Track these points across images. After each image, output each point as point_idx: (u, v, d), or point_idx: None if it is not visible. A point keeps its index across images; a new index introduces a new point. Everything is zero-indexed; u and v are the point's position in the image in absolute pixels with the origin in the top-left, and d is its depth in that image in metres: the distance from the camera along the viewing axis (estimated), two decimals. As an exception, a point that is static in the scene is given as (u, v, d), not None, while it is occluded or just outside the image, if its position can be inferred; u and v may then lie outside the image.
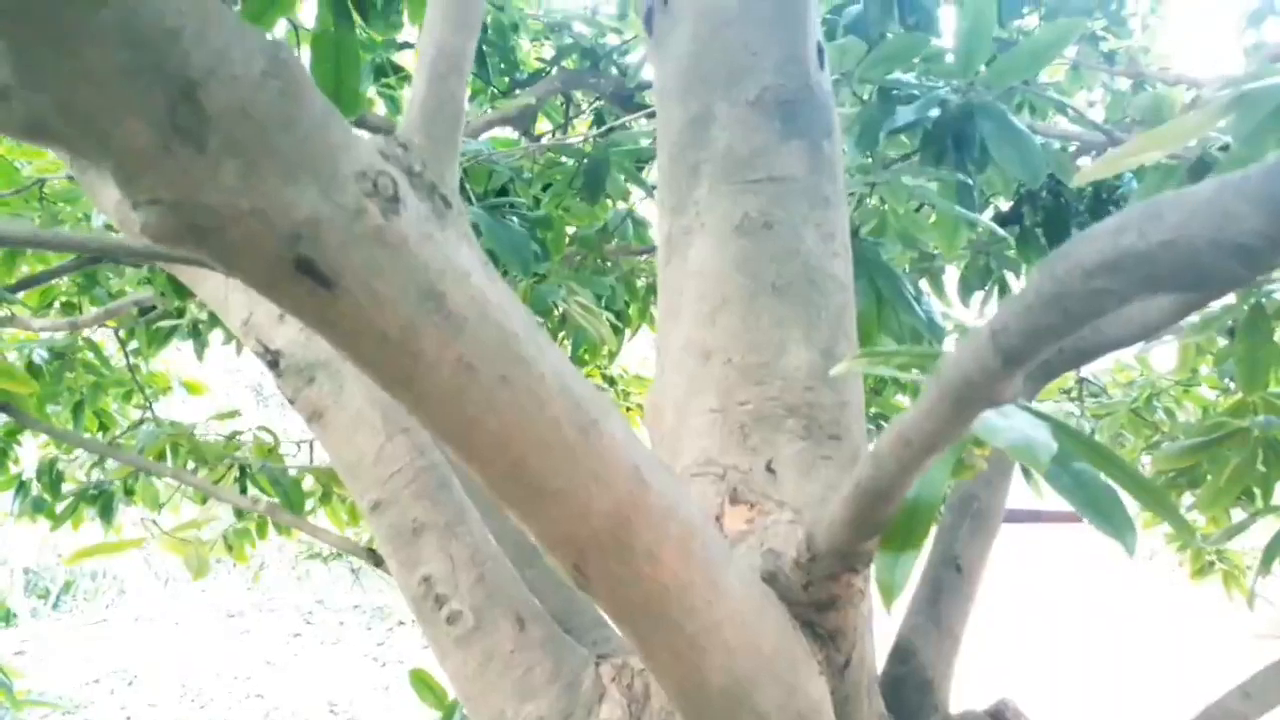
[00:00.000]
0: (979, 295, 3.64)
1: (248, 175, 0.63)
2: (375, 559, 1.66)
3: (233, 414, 2.70)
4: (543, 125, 4.14)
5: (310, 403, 1.46)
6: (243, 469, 2.38)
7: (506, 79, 3.75)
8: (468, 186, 2.59)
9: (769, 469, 1.28)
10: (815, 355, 1.33)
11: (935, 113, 1.80)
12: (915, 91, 1.90)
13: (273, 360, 1.46)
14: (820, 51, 1.41)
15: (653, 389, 1.46)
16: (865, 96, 2.05)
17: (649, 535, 0.83)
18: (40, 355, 3.74)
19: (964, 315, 3.96)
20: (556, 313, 2.28)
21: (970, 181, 1.78)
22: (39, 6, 0.56)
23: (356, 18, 1.63)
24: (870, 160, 1.89)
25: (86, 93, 0.59)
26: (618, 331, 3.30)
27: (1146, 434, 4.03)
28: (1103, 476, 0.87)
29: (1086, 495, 0.84)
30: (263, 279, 0.67)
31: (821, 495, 1.26)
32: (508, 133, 3.89)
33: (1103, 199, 3.48)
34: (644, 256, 3.50)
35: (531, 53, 3.80)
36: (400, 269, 0.69)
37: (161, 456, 2.68)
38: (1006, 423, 0.75)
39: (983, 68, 1.81)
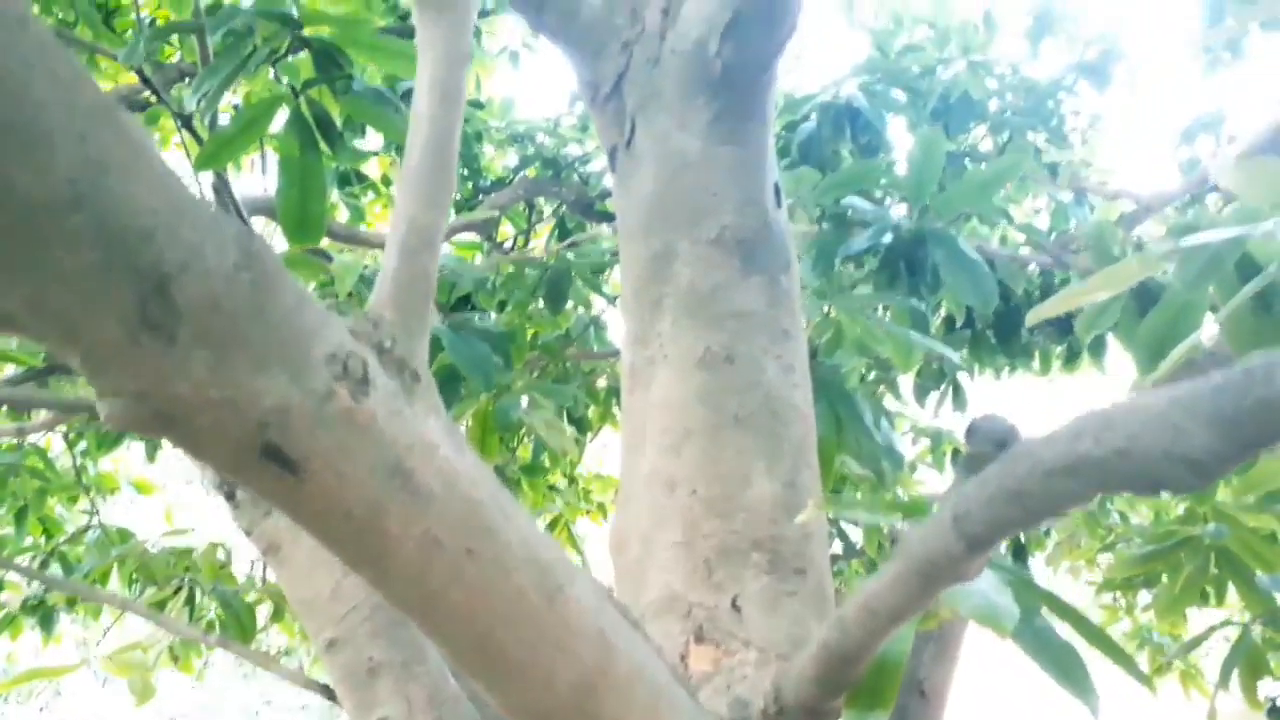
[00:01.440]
0: (934, 395, 3.70)
1: (217, 366, 0.63)
2: (331, 694, 1.61)
3: (183, 532, 2.63)
4: (505, 229, 4.20)
5: (266, 536, 1.44)
6: (192, 588, 2.31)
7: (471, 185, 3.81)
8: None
9: (734, 606, 1.27)
10: (778, 487, 1.34)
11: (888, 239, 1.86)
12: (868, 218, 1.96)
13: (229, 492, 1.44)
14: (777, 190, 1.45)
15: (616, 518, 1.46)
16: (819, 217, 2.11)
17: (615, 703, 0.82)
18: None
19: (919, 414, 4.02)
20: (521, 429, 2.27)
21: (924, 308, 1.83)
22: (9, 209, 0.56)
23: (322, 145, 1.65)
24: (826, 281, 1.94)
25: (57, 291, 0.59)
26: (580, 434, 3.29)
27: (1101, 534, 4.07)
28: (1062, 634, 0.87)
29: (1050, 655, 0.85)
30: (228, 464, 0.67)
31: (788, 632, 1.25)
32: (472, 237, 3.93)
33: (1056, 317, 3.58)
34: (606, 359, 3.53)
35: (495, 161, 3.87)
36: (368, 449, 0.69)
37: (108, 571, 2.59)
38: (970, 591, 0.76)
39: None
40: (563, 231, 4.10)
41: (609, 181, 3.88)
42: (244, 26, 1.44)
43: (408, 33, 3.63)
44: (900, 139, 3.75)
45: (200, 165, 1.59)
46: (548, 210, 4.22)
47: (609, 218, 4.01)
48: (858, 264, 2.09)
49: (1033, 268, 2.84)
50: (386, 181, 3.53)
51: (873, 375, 3.31)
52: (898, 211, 3.49)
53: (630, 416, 1.44)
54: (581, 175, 3.85)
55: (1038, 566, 4.59)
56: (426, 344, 0.77)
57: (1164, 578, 2.79)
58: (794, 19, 1.31)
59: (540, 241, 4.39)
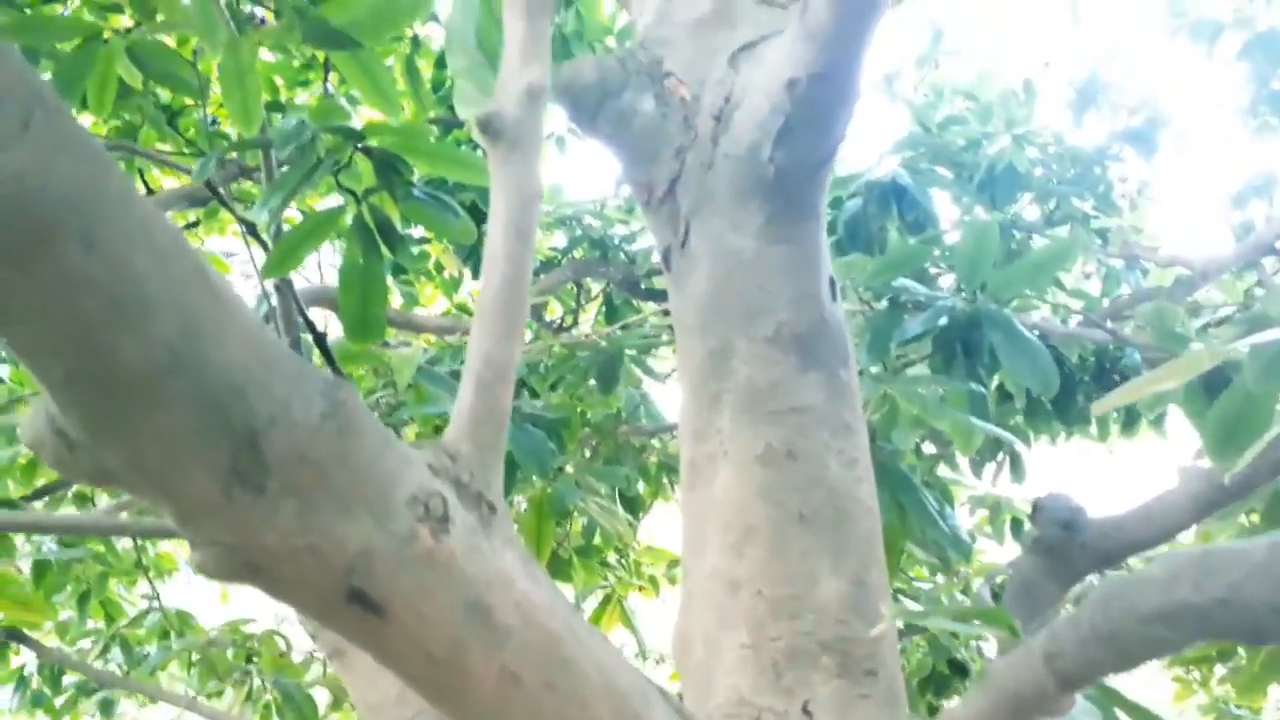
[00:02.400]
0: (991, 467, 3.64)
1: (304, 514, 0.64)
2: (394, 799, 1.59)
3: (245, 621, 2.66)
4: (554, 307, 4.25)
5: (332, 640, 1.44)
6: (253, 680, 2.32)
7: (518, 266, 3.87)
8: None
9: (805, 711, 1.24)
10: (846, 586, 1.32)
11: (943, 321, 1.85)
12: (921, 298, 1.95)
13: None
14: (832, 284, 1.46)
15: (679, 618, 1.44)
16: (870, 300, 2.11)
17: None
18: (50, 549, 3.70)
19: (977, 484, 3.94)
20: (576, 515, 2.27)
21: (984, 390, 1.81)
22: (113, 376, 0.59)
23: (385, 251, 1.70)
24: (882, 366, 1.93)
25: (154, 449, 0.61)
26: (633, 514, 3.27)
27: (1174, 605, 3.92)
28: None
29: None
30: (314, 608, 0.67)
31: (860, 738, 1.22)
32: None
33: (1106, 368, 3.52)
34: (655, 437, 3.52)
35: (544, 242, 3.94)
36: (448, 588, 0.69)
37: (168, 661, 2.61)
38: (1061, 722, 0.74)
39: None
40: (610, 309, 4.14)
41: (656, 260, 3.92)
42: (309, 141, 1.50)
43: (458, 122, 3.73)
44: (945, 209, 3.76)
45: (267, 273, 1.64)
46: (595, 288, 4.27)
47: (655, 295, 4.04)
48: (913, 346, 2.08)
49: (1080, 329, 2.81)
50: (439, 267, 3.60)
51: (928, 447, 3.27)
52: (946, 281, 3.48)
53: (691, 513, 1.43)
54: (628, 254, 3.90)
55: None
56: (501, 474, 0.78)
57: (1240, 651, 2.68)
58: (846, 125, 1.33)
59: (588, 318, 4.44)
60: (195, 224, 4.31)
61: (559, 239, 4.02)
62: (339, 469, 0.65)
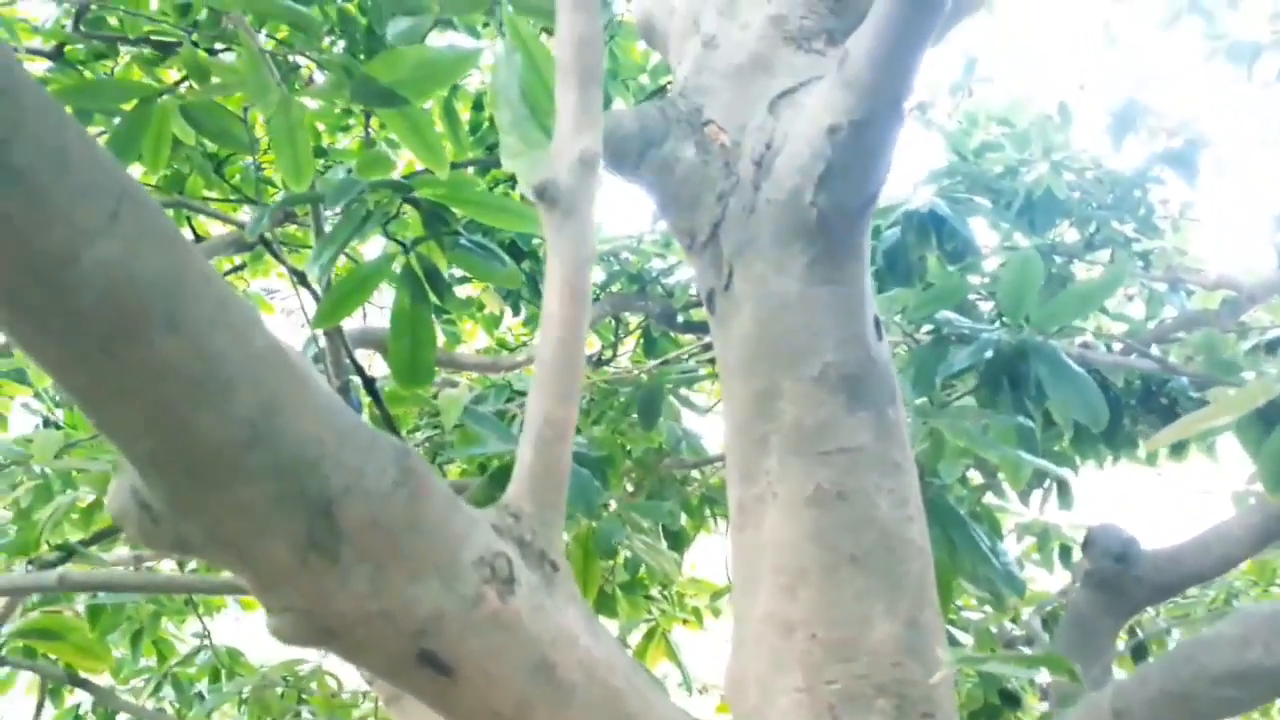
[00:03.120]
0: (1038, 493, 3.59)
1: (376, 580, 0.66)
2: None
3: (298, 663, 2.69)
4: (592, 340, 4.28)
5: (387, 686, 1.46)
6: (305, 721, 2.34)
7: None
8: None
9: (862, 755, 1.23)
10: (900, 628, 1.31)
11: (989, 354, 1.84)
12: (966, 331, 1.95)
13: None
14: (878, 323, 1.46)
15: (732, 660, 1.44)
16: (914, 333, 2.10)
17: None
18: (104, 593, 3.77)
19: (1024, 511, 3.89)
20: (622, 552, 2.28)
21: (1032, 423, 1.80)
22: (195, 452, 0.61)
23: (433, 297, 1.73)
24: (928, 400, 1.92)
25: (233, 521, 0.63)
26: (677, 550, 3.27)
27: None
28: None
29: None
30: (384, 669, 0.69)
31: (919, 783, 1.21)
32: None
33: (1152, 391, 3.47)
34: (697, 469, 3.52)
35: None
36: (515, 648, 0.71)
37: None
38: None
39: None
40: (648, 342, 4.16)
41: (694, 293, 3.94)
42: (358, 195, 1.54)
43: (494, 162, 3.79)
44: (983, 234, 3.74)
45: (319, 323, 1.68)
46: (633, 322, 4.29)
47: (693, 328, 4.06)
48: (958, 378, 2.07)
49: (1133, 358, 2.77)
50: (480, 305, 3.65)
51: (974, 474, 3.23)
52: (986, 306, 3.45)
53: (741, 555, 1.43)
54: (665, 288, 3.92)
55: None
56: (562, 531, 0.79)
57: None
58: (887, 169, 1.34)
59: (626, 350, 4.46)
60: (241, 267, 4.41)
61: (597, 274, 4.06)
62: (410, 534, 0.67)
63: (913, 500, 1.41)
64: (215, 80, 1.57)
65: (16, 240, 0.53)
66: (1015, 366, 1.85)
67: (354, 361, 2.12)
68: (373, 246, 2.92)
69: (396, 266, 1.70)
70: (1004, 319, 1.92)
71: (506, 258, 1.71)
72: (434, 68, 1.44)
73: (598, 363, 4.15)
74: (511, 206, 1.69)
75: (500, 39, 1.51)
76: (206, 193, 3.66)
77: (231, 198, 3.81)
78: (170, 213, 3.62)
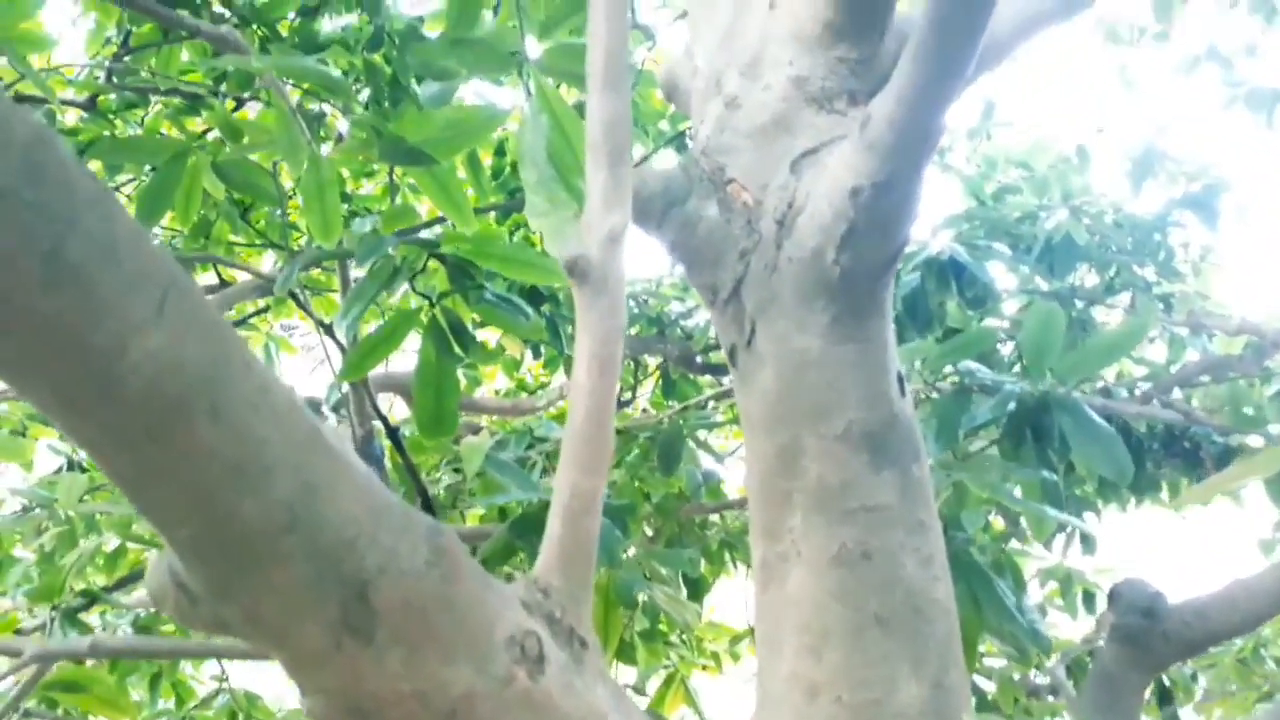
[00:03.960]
0: (1060, 538, 3.55)
1: (410, 660, 0.66)
2: None
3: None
4: (611, 384, 4.29)
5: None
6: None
7: (576, 345, 3.92)
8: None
9: (889, 821, 1.22)
10: (926, 690, 1.30)
11: (1011, 406, 1.84)
12: (987, 381, 1.94)
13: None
14: (901, 380, 1.46)
15: (756, 720, 1.43)
16: (935, 383, 2.10)
17: None
18: (125, 632, 3.78)
19: (1047, 555, 3.84)
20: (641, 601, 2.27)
21: (1055, 477, 1.79)
22: (234, 536, 0.62)
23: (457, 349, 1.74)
24: (951, 453, 1.92)
25: (269, 603, 0.64)
26: (696, 597, 3.25)
27: (1257, 682, 3.78)
28: None
29: None
30: (416, 750, 0.69)
31: None
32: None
33: (1175, 435, 3.44)
34: (717, 513, 3.51)
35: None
36: (545, 727, 0.71)
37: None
38: None
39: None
40: (667, 384, 4.17)
41: (714, 334, 3.94)
42: (387, 257, 1.56)
43: (516, 206, 3.82)
44: (1001, 275, 3.74)
45: (345, 376, 1.70)
46: (652, 364, 4.30)
47: (712, 370, 4.07)
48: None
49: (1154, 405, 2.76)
50: (501, 349, 3.67)
51: (995, 520, 3.21)
52: (1006, 349, 3.44)
53: (765, 614, 1.43)
54: (684, 330, 3.94)
55: (1187, 716, 4.27)
56: (591, 607, 0.79)
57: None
58: (909, 229, 1.35)
59: (645, 392, 4.47)
60: (265, 309, 4.46)
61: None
62: (443, 615, 0.67)
63: (938, 559, 1.40)
64: (246, 139, 1.60)
65: (68, 335, 0.55)
66: (1038, 419, 1.84)
67: (376, 409, 2.13)
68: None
69: (424, 320, 1.72)
70: (1026, 370, 1.91)
71: (530, 310, 1.72)
72: (462, 128, 1.47)
73: (616, 405, 4.16)
74: (535, 260, 1.70)
75: (526, 100, 1.54)
76: (233, 237, 3.72)
77: (257, 243, 3.87)
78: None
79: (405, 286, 1.76)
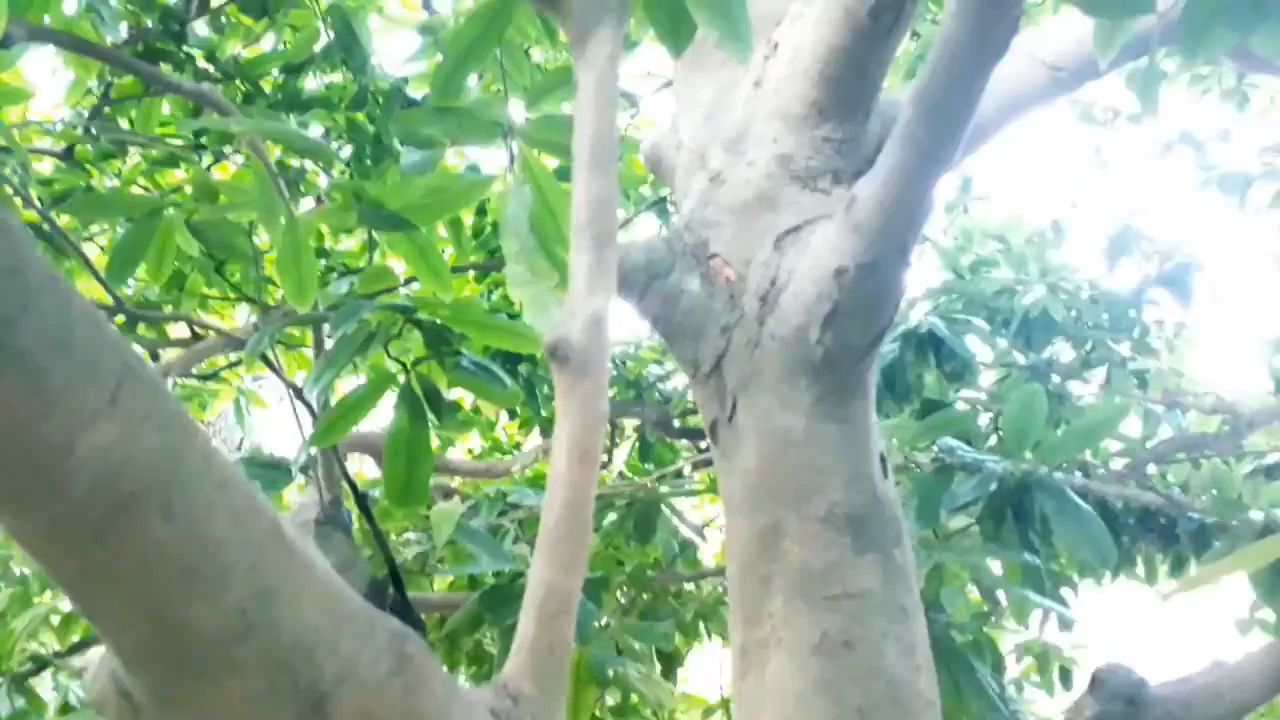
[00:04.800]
0: (1037, 614, 3.51)
1: (368, 778, 0.62)
2: None
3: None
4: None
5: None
6: None
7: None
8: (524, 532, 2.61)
9: None
10: (907, 786, 1.25)
11: (993, 486, 1.82)
12: (968, 459, 1.92)
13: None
14: (883, 461, 1.44)
15: (732, 815, 1.37)
16: (915, 460, 2.08)
17: None
18: (77, 697, 3.63)
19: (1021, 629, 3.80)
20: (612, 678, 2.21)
21: (1037, 561, 1.77)
22: (183, 644, 0.58)
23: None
24: (932, 533, 1.89)
25: (219, 715, 0.59)
26: (669, 672, 3.17)
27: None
28: None
29: None
30: None
31: None
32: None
33: (1151, 511, 3.43)
34: (691, 583, 3.45)
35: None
36: None
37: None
38: None
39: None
40: (644, 448, 4.12)
41: (692, 398, 3.91)
42: (362, 321, 1.53)
43: (496, 266, 3.80)
44: (977, 346, 3.75)
45: (315, 442, 1.65)
46: (629, 427, 4.26)
47: (690, 434, 4.03)
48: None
49: (1134, 486, 2.75)
50: (476, 410, 3.62)
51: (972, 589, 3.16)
52: (982, 419, 3.43)
53: (744, 703, 1.38)
54: (662, 394, 3.91)
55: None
56: (564, 712, 0.75)
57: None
58: (893, 310, 1.34)
59: (621, 454, 4.41)
60: (237, 363, 4.38)
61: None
62: (405, 728, 0.63)
63: (920, 648, 1.37)
64: (223, 199, 1.58)
65: (13, 427, 0.51)
66: (1019, 499, 1.83)
67: (345, 474, 2.08)
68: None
69: (398, 385, 1.68)
70: (1006, 447, 1.90)
71: (507, 379, 1.69)
72: (444, 194, 1.45)
73: (592, 468, 4.09)
74: (514, 328, 1.68)
75: (509, 166, 1.53)
76: (207, 290, 3.67)
77: (232, 295, 3.82)
78: (169, 308, 3.62)
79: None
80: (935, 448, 2.02)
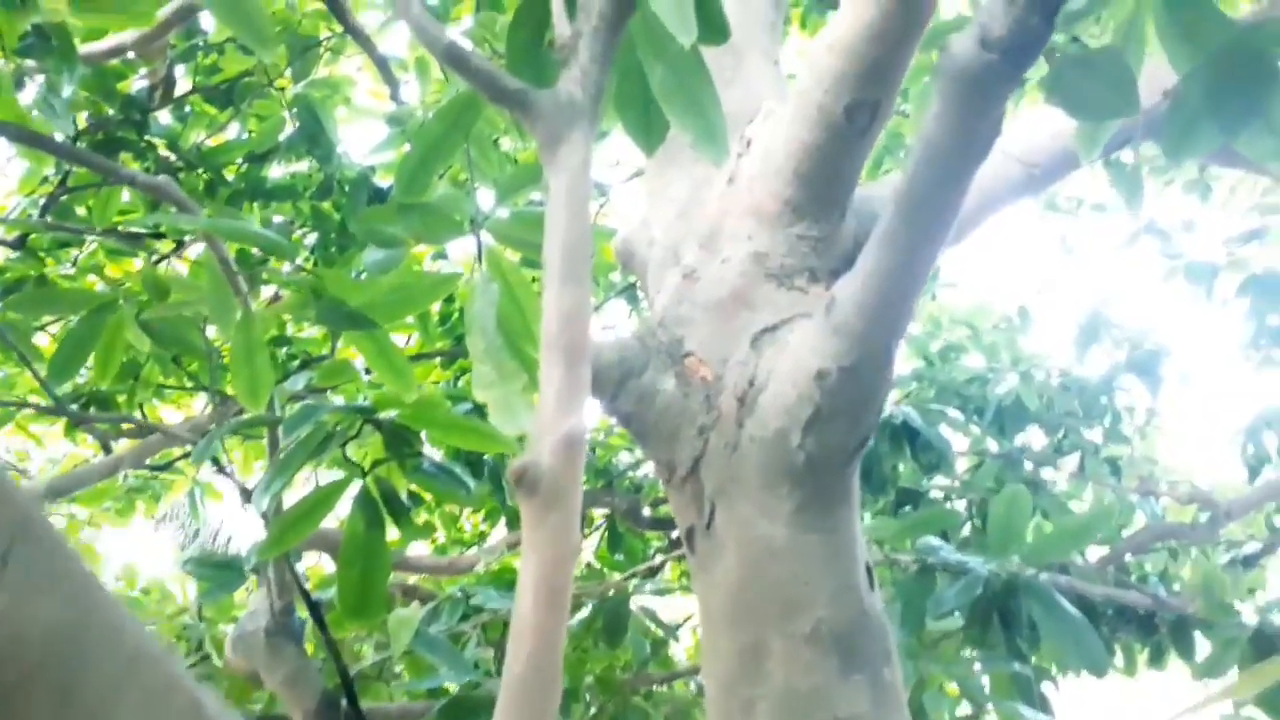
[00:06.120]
0: (1021, 708, 3.41)
1: None
2: None
3: None
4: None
5: None
6: None
7: (519, 497, 3.76)
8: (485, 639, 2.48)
9: None
10: None
11: (978, 591, 1.75)
12: (950, 559, 1.86)
13: None
14: (869, 572, 1.37)
15: None
16: (895, 558, 2.01)
17: None
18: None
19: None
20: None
21: (1027, 671, 1.69)
22: None
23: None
24: (916, 639, 1.81)
25: None
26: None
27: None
28: None
29: None
30: None
31: None
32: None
33: (1137, 612, 3.37)
34: (664, 684, 3.31)
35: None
36: None
37: None
38: None
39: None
40: (613, 538, 4.01)
41: (665, 496, 3.82)
42: (318, 424, 1.45)
43: (462, 353, 3.73)
44: (949, 435, 3.72)
45: (264, 554, 1.56)
46: (598, 515, 4.16)
47: (660, 524, 3.93)
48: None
49: (1115, 587, 2.69)
50: (440, 501, 3.51)
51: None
52: (958, 504, 3.37)
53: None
54: (633, 482, 3.82)
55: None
56: None
57: None
58: (878, 413, 1.29)
59: (590, 544, 4.29)
60: (188, 454, 4.24)
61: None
62: None
63: (912, 773, 1.28)
64: (175, 295, 1.50)
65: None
66: (1006, 603, 1.75)
67: (297, 581, 1.96)
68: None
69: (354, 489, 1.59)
70: (989, 548, 1.83)
71: (470, 482, 1.61)
72: (409, 292, 1.39)
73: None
74: (480, 429, 1.60)
75: (476, 262, 1.47)
76: (163, 379, 3.56)
77: (188, 385, 3.70)
78: (123, 398, 3.50)
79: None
80: (915, 546, 1.95)
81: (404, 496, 1.69)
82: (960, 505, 3.45)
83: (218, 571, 2.09)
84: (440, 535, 4.45)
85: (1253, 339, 3.04)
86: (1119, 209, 3.29)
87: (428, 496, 3.74)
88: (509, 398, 1.37)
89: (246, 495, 1.72)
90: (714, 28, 1.00)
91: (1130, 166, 1.41)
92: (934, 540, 1.95)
